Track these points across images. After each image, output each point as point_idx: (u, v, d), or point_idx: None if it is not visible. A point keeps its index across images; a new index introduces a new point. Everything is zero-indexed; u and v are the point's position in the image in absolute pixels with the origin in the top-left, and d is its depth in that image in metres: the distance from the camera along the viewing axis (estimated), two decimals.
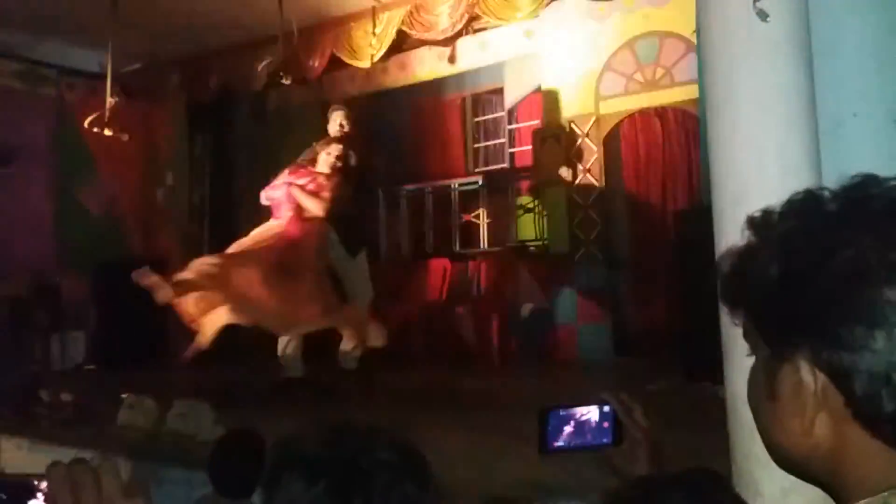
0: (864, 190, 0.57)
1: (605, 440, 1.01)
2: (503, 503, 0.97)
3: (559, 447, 1.00)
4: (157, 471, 3.00)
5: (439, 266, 6.36)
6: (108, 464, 0.61)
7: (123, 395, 3.67)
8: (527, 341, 5.93)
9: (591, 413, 1.01)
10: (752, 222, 0.60)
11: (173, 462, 3.00)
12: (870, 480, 0.54)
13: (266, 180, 4.81)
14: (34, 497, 0.60)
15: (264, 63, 5.79)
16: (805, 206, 0.58)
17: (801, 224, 0.57)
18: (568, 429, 1.00)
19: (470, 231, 7.00)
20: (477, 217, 6.84)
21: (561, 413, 1.00)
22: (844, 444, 0.55)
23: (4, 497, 0.61)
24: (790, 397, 0.57)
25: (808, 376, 0.55)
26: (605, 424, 1.01)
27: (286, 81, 4.37)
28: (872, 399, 0.53)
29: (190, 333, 4.16)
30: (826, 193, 0.58)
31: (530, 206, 6.49)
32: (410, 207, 7.14)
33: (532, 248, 6.18)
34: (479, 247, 6.70)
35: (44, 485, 0.60)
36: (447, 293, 6.21)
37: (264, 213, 4.76)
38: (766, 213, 0.60)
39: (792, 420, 0.57)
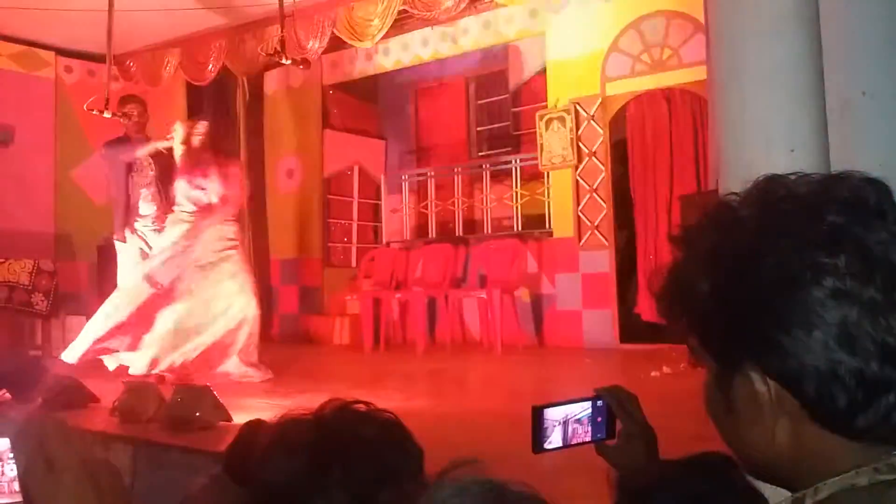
0: (771, 193, 0.58)
1: (599, 435, 1.00)
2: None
3: (553, 445, 0.99)
4: (157, 455, 2.99)
5: (441, 252, 6.31)
6: (52, 422, 0.60)
7: (124, 380, 3.67)
8: (531, 327, 5.89)
9: (584, 409, 1.00)
10: (675, 240, 0.62)
11: (173, 446, 2.98)
12: (832, 471, 0.55)
13: (263, 163, 4.74)
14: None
15: (263, 44, 5.72)
16: (720, 217, 0.59)
17: (722, 236, 0.58)
18: (561, 426, 0.99)
19: (473, 216, 6.95)
20: (480, 202, 6.78)
21: (553, 411, 0.98)
22: (805, 444, 0.56)
23: None
24: (747, 408, 0.57)
25: (761, 386, 0.56)
26: (599, 419, 1.00)
27: (285, 62, 4.29)
28: (825, 397, 0.54)
29: None
30: (735, 200, 0.60)
31: (534, 190, 6.43)
32: (412, 192, 7.09)
33: (536, 232, 6.13)
34: (483, 232, 6.65)
35: (5, 442, 0.57)
36: (450, 279, 6.17)
37: (259, 195, 4.71)
38: (686, 229, 0.61)
39: (753, 430, 0.58)
